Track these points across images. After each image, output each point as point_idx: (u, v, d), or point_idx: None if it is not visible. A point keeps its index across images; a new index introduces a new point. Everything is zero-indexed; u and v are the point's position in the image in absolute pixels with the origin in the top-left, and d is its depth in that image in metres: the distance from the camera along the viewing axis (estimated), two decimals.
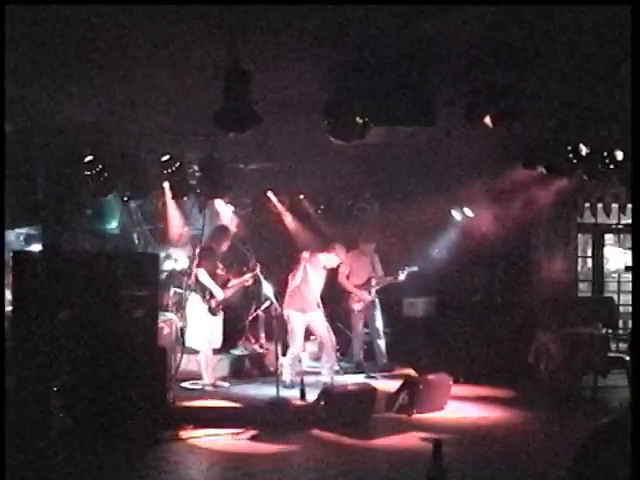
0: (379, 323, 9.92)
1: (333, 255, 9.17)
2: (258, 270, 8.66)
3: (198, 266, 8.51)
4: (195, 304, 8.54)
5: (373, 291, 9.88)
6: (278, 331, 8.62)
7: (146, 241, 10.39)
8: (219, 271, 8.69)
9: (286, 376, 8.52)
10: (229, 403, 7.80)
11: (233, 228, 9.86)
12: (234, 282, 8.89)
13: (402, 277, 9.86)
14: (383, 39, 5.28)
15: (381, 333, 9.91)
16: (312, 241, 10.37)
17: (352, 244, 9.79)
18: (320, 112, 5.99)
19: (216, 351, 8.85)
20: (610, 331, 9.01)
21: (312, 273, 8.78)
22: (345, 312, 9.98)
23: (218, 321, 8.67)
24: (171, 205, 9.97)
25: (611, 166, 7.72)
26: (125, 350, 6.67)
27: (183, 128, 7.86)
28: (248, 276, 8.90)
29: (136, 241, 10.31)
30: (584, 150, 7.70)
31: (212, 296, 8.53)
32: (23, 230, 9.14)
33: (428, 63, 5.70)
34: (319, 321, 8.87)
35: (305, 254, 8.87)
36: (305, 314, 8.79)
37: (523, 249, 10.92)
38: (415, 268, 10.01)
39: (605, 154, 7.66)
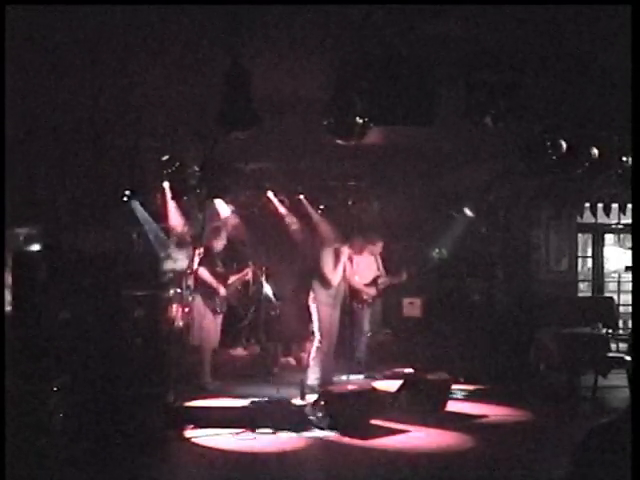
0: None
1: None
2: (251, 267, 8.69)
3: (198, 266, 8.54)
4: (196, 304, 8.57)
5: (378, 290, 9.86)
6: (278, 331, 8.64)
7: (146, 241, 10.38)
8: (218, 269, 8.73)
9: (313, 377, 8.46)
10: (229, 403, 7.80)
11: (233, 228, 9.87)
12: (233, 279, 8.93)
13: (404, 277, 9.88)
14: (383, 39, 5.28)
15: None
16: (312, 241, 10.36)
17: (359, 244, 9.76)
18: (320, 112, 5.99)
19: (216, 351, 8.86)
20: (610, 331, 9.01)
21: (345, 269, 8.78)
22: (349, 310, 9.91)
23: (218, 320, 8.70)
24: (171, 205, 9.96)
25: (613, 167, 7.74)
26: (125, 350, 6.68)
27: (183, 128, 7.85)
28: (244, 273, 8.94)
29: (136, 241, 10.30)
30: (584, 150, 7.70)
31: (214, 295, 8.56)
32: (23, 230, 9.13)
33: (428, 63, 5.70)
34: (337, 321, 8.84)
35: (345, 249, 8.78)
36: (334, 310, 8.73)
37: (523, 249, 10.93)
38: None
39: (605, 154, 7.66)
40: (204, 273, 8.53)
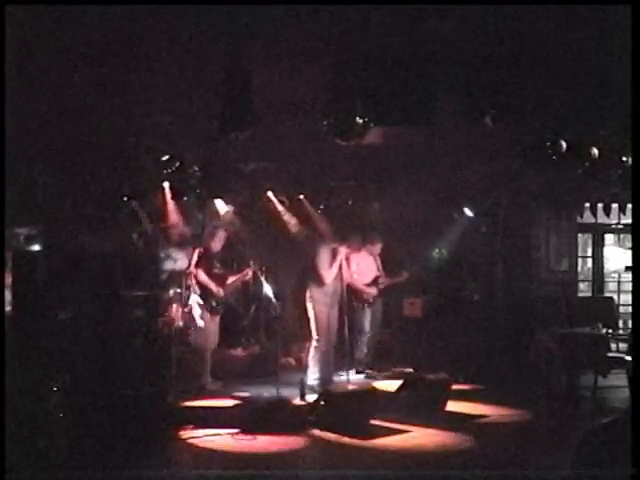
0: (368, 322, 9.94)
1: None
2: (252, 267, 8.71)
3: (196, 266, 8.53)
4: (195, 304, 8.57)
5: (378, 290, 9.86)
6: (278, 331, 8.63)
7: (146, 241, 10.39)
8: (216, 270, 8.73)
9: (313, 377, 8.47)
10: (229, 403, 7.80)
11: (233, 228, 9.87)
12: (232, 279, 8.94)
13: (405, 277, 9.91)
14: (383, 39, 5.28)
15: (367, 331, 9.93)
16: (312, 241, 10.36)
17: (358, 244, 9.76)
18: (320, 112, 5.99)
19: (215, 351, 8.86)
20: (610, 331, 9.01)
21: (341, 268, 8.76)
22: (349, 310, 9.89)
23: (217, 321, 8.71)
24: (171, 205, 9.96)
25: (613, 167, 7.75)
26: (125, 350, 6.68)
27: (183, 128, 7.86)
28: (244, 273, 8.96)
29: (136, 241, 10.31)
30: (584, 150, 7.71)
31: (212, 295, 8.57)
32: (23, 230, 9.14)
33: (428, 63, 5.71)
34: (335, 320, 8.83)
35: (342, 248, 8.78)
36: (332, 309, 8.73)
37: (523, 249, 10.93)
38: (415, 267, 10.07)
39: (605, 154, 7.67)
40: (201, 274, 8.52)
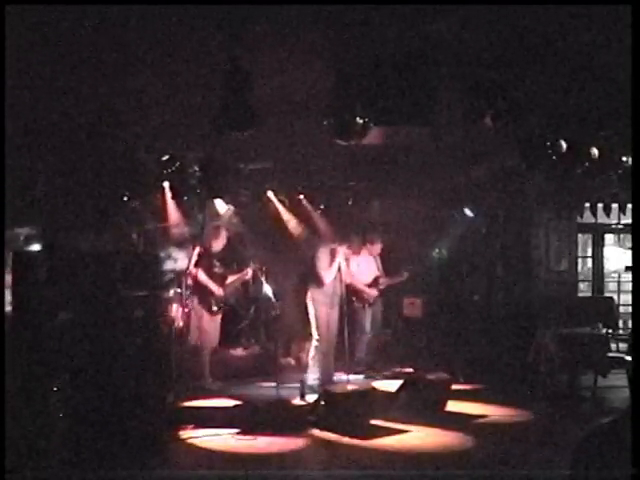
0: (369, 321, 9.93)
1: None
2: (252, 266, 8.71)
3: (196, 266, 8.54)
4: (195, 304, 8.57)
5: (378, 290, 9.86)
6: (278, 331, 8.63)
7: (146, 241, 10.38)
8: (217, 270, 8.73)
9: (313, 377, 8.48)
10: (229, 403, 7.80)
11: (232, 228, 9.88)
12: (232, 278, 8.94)
13: (405, 277, 9.91)
14: (384, 39, 5.28)
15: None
16: (312, 241, 10.36)
17: (358, 244, 9.76)
18: (320, 112, 5.99)
19: (215, 351, 8.87)
20: (610, 331, 9.01)
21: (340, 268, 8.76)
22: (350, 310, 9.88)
23: (216, 320, 8.71)
24: (171, 205, 9.97)
25: (613, 167, 7.75)
26: (125, 350, 6.67)
27: (183, 128, 7.85)
28: (244, 272, 8.96)
29: (136, 241, 10.31)
30: (584, 150, 7.71)
31: (212, 295, 8.57)
32: (23, 230, 9.14)
33: (428, 63, 5.71)
34: (335, 320, 8.84)
35: (341, 249, 8.77)
36: (332, 309, 8.73)
37: (523, 249, 10.93)
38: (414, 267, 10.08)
39: (605, 154, 7.67)
40: (201, 274, 8.53)
